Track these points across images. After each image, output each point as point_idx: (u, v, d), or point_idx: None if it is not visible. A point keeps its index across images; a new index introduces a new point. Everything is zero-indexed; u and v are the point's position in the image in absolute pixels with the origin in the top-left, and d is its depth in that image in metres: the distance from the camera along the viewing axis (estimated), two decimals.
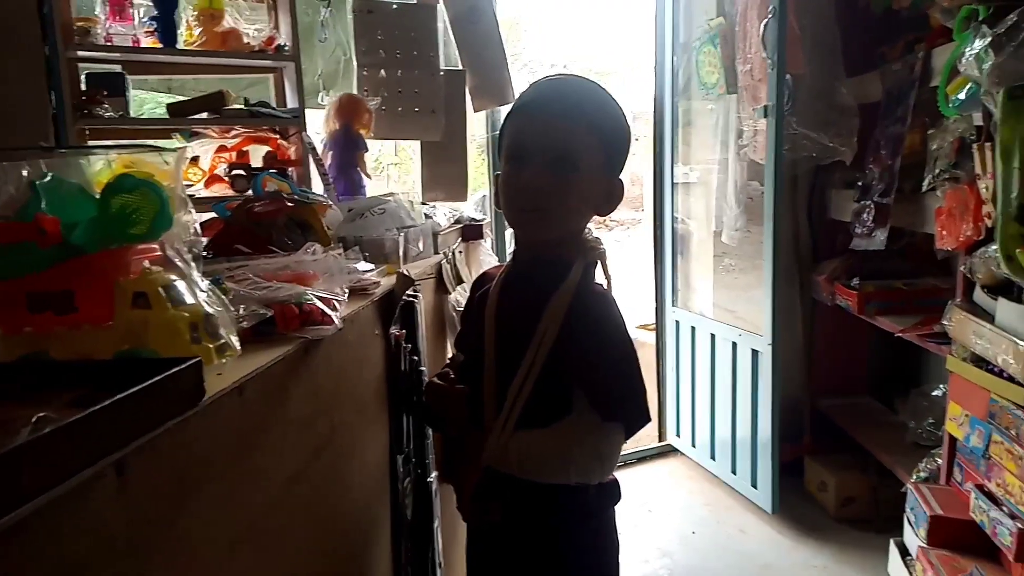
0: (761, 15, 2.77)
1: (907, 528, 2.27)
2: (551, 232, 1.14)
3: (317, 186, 2.25)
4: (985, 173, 1.88)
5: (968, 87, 1.93)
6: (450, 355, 1.95)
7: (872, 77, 2.75)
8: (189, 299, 0.73)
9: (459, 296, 2.07)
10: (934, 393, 2.75)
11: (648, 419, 1.17)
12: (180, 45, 2.24)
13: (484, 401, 1.17)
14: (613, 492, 1.21)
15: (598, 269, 1.18)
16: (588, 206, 1.16)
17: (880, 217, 2.54)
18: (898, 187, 2.47)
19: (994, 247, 1.83)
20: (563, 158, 1.09)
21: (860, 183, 2.72)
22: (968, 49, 1.79)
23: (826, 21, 2.93)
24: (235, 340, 0.76)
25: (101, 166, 0.79)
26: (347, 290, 1.13)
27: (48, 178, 0.71)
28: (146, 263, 0.75)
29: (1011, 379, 1.83)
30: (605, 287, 1.18)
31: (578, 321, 1.10)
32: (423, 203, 2.59)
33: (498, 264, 1.34)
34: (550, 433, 1.12)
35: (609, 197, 1.17)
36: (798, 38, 2.83)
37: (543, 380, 1.10)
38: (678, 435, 3.64)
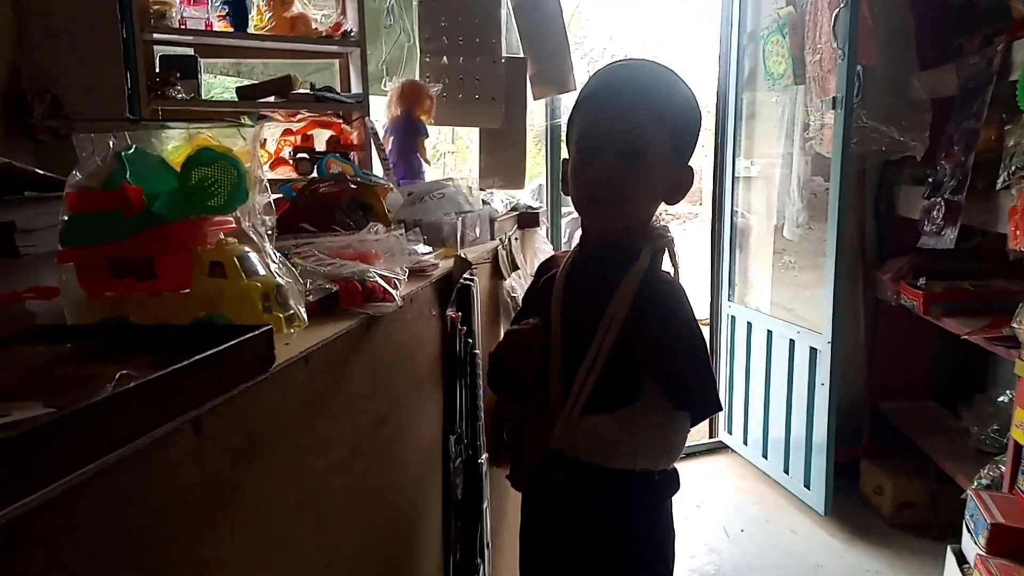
0: (833, 4, 2.70)
1: (965, 535, 2.21)
2: (621, 222, 1.15)
3: (378, 170, 2.28)
4: None
5: None
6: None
7: (947, 70, 2.65)
8: (262, 270, 0.76)
9: (514, 282, 2.09)
10: (1000, 399, 2.66)
11: (719, 407, 1.20)
12: (251, 30, 2.29)
13: (551, 384, 1.17)
14: (674, 481, 1.21)
15: (666, 257, 1.18)
16: (657, 195, 1.16)
17: (950, 215, 2.46)
18: (970, 184, 2.39)
19: None
20: (632, 149, 1.09)
21: (931, 179, 2.64)
22: None
23: (901, 12, 2.84)
24: (303, 311, 0.78)
25: (176, 143, 0.82)
26: (407, 270, 1.15)
27: (132, 150, 0.74)
28: (222, 234, 0.77)
29: None
30: (672, 275, 1.18)
31: (648, 308, 1.10)
32: (480, 189, 2.61)
33: (564, 250, 1.34)
34: (619, 418, 1.12)
35: (678, 186, 1.17)
36: (870, 29, 2.76)
37: (610, 365, 1.11)
38: (730, 432, 3.60)
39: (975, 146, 2.38)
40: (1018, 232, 2.06)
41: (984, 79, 2.37)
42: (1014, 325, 2.08)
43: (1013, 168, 2.09)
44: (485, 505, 1.55)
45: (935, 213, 2.54)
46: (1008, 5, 2.31)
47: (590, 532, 1.18)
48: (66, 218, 0.72)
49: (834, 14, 2.67)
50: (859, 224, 3.13)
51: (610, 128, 1.10)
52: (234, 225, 0.78)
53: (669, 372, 1.11)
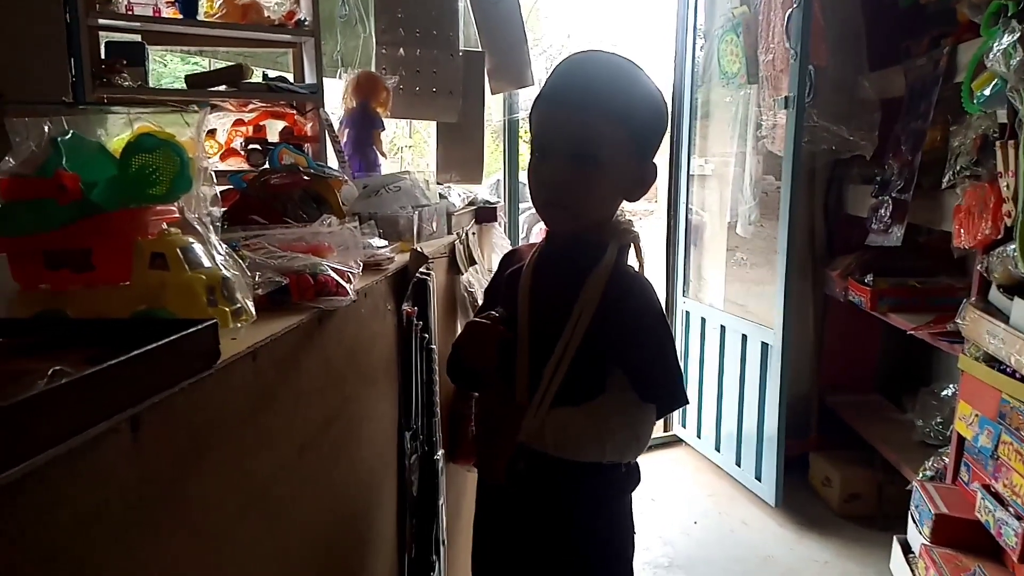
0: (786, 5, 2.74)
1: (911, 526, 2.27)
2: (574, 223, 1.14)
3: (332, 163, 2.25)
4: (1007, 171, 1.86)
5: (994, 83, 1.90)
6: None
7: (895, 72, 2.72)
8: (207, 262, 0.73)
9: (471, 277, 2.07)
10: (943, 392, 2.74)
11: (686, 400, 1.20)
12: (201, 16, 2.23)
13: (516, 378, 1.16)
14: (636, 475, 1.23)
15: (631, 252, 1.17)
16: (616, 194, 1.15)
17: (897, 213, 2.52)
18: (917, 183, 2.45)
19: (1012, 246, 1.81)
20: (584, 151, 1.07)
21: (879, 178, 2.69)
22: (996, 44, 1.77)
23: (851, 13, 2.90)
24: (251, 305, 0.76)
25: (119, 131, 0.78)
26: (361, 264, 1.13)
27: (69, 135, 0.71)
28: (165, 225, 0.75)
29: (1023, 380, 1.82)
30: (637, 269, 1.18)
31: (616, 302, 1.10)
32: (438, 183, 2.58)
33: (529, 243, 1.33)
34: (586, 411, 1.12)
35: (640, 182, 1.15)
36: (822, 29, 2.80)
37: (578, 359, 1.10)
38: (684, 425, 3.64)
39: (922, 146, 2.44)
40: (962, 231, 2.12)
41: (931, 81, 2.43)
42: (958, 321, 2.14)
43: (958, 168, 2.14)
44: (441, 501, 1.54)
45: (883, 211, 2.59)
46: (954, 9, 2.36)
47: (553, 525, 1.18)
48: None
49: (787, 14, 2.71)
50: (809, 222, 3.19)
51: (562, 129, 1.09)
52: (178, 215, 0.75)
53: (637, 365, 1.11)
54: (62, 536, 0.45)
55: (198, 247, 0.73)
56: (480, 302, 2.02)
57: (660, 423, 3.74)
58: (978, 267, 2.09)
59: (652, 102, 1.13)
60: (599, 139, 1.07)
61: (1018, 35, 1.70)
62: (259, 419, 0.76)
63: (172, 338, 0.59)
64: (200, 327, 0.63)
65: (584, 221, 1.13)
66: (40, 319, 0.70)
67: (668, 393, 1.17)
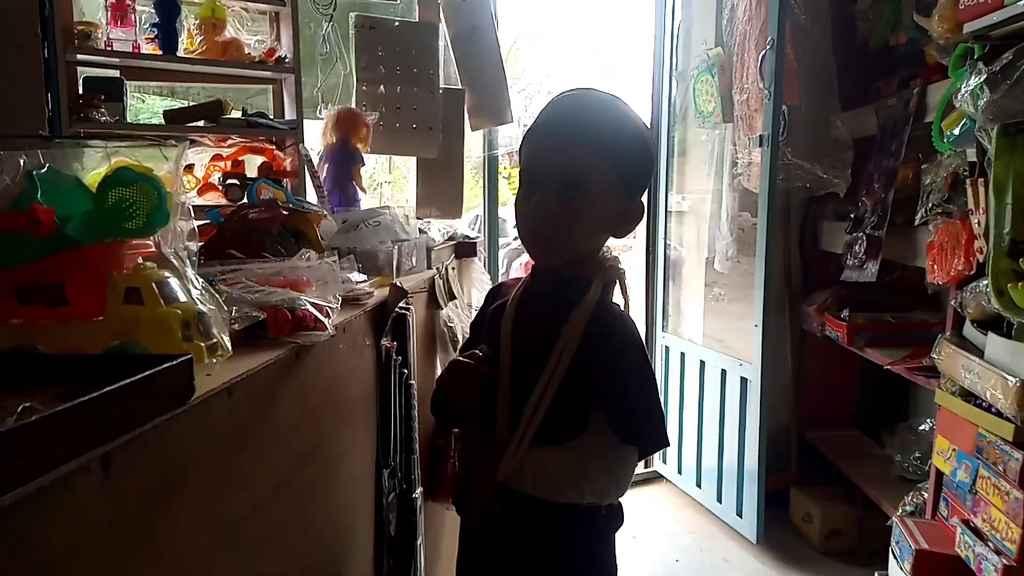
0: (759, 46, 2.80)
1: (892, 562, 2.26)
2: (560, 257, 1.14)
3: (312, 198, 2.24)
4: (978, 208, 1.90)
5: (963, 123, 1.95)
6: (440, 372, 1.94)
7: (867, 111, 2.78)
8: (182, 297, 0.72)
9: (451, 312, 2.07)
10: (921, 427, 2.75)
11: (667, 443, 1.17)
12: (180, 53, 2.24)
13: (498, 415, 1.15)
14: (619, 516, 1.20)
15: (616, 289, 1.17)
16: (602, 229, 1.15)
17: (872, 249, 2.56)
18: (890, 220, 2.49)
19: (985, 282, 1.84)
20: (571, 184, 1.08)
21: (852, 215, 2.74)
22: (964, 85, 1.82)
23: (823, 55, 2.96)
24: (227, 340, 0.75)
25: (96, 165, 0.78)
26: (340, 298, 1.12)
27: (45, 169, 0.70)
28: (140, 259, 0.74)
29: (999, 414, 1.83)
30: (622, 306, 1.17)
31: (598, 341, 1.08)
32: (417, 218, 2.58)
33: (514, 278, 1.32)
34: (566, 452, 1.11)
35: (626, 218, 1.15)
36: (795, 70, 2.87)
37: (559, 398, 1.09)
38: (664, 462, 3.62)
39: (894, 184, 2.49)
40: (935, 266, 2.15)
41: (902, 120, 2.49)
42: (933, 356, 2.16)
43: (930, 205, 2.19)
44: (419, 541, 1.51)
45: (857, 247, 2.63)
46: (923, 51, 2.43)
47: (534, 566, 1.16)
48: None
49: (760, 55, 2.77)
50: (785, 258, 3.22)
51: (549, 163, 1.10)
52: (153, 249, 0.75)
53: (618, 406, 1.10)
54: None
55: (174, 281, 0.72)
56: (459, 338, 2.01)
57: (641, 461, 3.72)
58: (952, 302, 2.11)
59: (640, 140, 1.14)
60: (587, 171, 1.08)
61: (984, 77, 1.74)
62: (234, 456, 0.74)
63: (145, 374, 0.58)
64: (174, 363, 0.62)
65: (568, 254, 1.13)
66: (11, 354, 0.68)
67: (648, 435, 1.15)
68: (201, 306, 0.73)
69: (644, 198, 1.19)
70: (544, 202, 1.09)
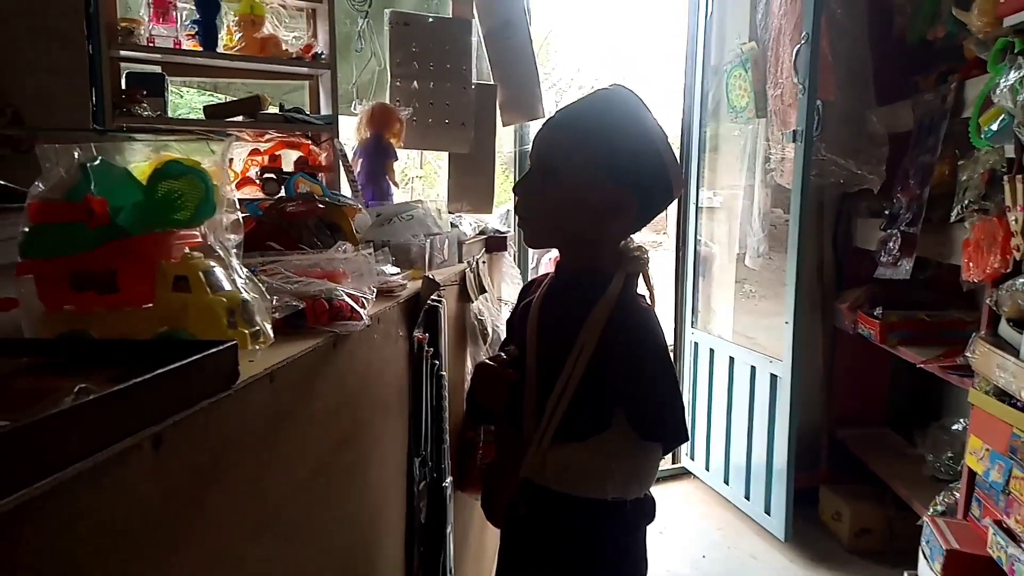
0: (794, 40, 2.78)
1: (922, 561, 2.24)
2: (540, 239, 1.19)
3: (346, 192, 2.27)
4: (1015, 205, 1.87)
5: (1001, 118, 1.92)
6: (471, 364, 1.97)
7: (903, 106, 2.74)
8: (227, 285, 0.75)
9: (481, 305, 2.09)
10: (954, 427, 2.72)
11: (686, 437, 1.18)
12: (220, 49, 2.28)
13: (524, 412, 1.17)
14: (648, 510, 1.21)
15: (640, 280, 1.17)
16: (585, 213, 1.11)
17: (906, 247, 2.53)
18: (925, 217, 2.46)
19: (1022, 280, 1.82)
20: (547, 168, 1.12)
21: (887, 212, 2.71)
22: (1003, 80, 1.79)
23: (859, 49, 2.93)
24: (269, 328, 0.78)
25: (140, 158, 0.81)
26: (374, 290, 1.14)
27: (98, 161, 0.73)
28: (188, 249, 0.77)
29: None
30: (647, 298, 1.17)
31: (617, 336, 1.08)
32: (449, 213, 2.61)
33: (546, 272, 1.34)
34: (588, 447, 1.12)
35: (616, 207, 1.11)
36: (830, 65, 2.84)
37: (581, 393, 1.09)
38: (692, 458, 3.62)
39: (930, 180, 2.46)
40: (971, 264, 2.12)
41: (939, 116, 2.46)
42: (967, 354, 2.14)
43: (966, 202, 2.16)
44: (449, 530, 1.53)
45: (891, 244, 2.60)
46: (961, 46, 2.40)
47: (562, 558, 1.17)
48: (26, 229, 0.71)
49: (795, 50, 2.75)
50: (818, 255, 3.20)
51: (535, 149, 1.16)
52: (200, 240, 0.78)
53: (635, 400, 1.10)
54: (88, 551, 0.46)
55: (219, 271, 0.75)
56: (489, 331, 2.04)
57: (668, 455, 3.72)
58: (987, 301, 2.09)
59: (634, 130, 1.12)
60: (561, 155, 1.11)
61: None
62: (275, 440, 0.77)
63: (193, 359, 0.61)
64: (220, 348, 0.64)
65: (550, 237, 1.18)
66: (65, 340, 0.71)
67: (667, 431, 1.15)
68: (245, 295, 0.76)
69: (662, 197, 1.18)
70: (526, 183, 1.15)
